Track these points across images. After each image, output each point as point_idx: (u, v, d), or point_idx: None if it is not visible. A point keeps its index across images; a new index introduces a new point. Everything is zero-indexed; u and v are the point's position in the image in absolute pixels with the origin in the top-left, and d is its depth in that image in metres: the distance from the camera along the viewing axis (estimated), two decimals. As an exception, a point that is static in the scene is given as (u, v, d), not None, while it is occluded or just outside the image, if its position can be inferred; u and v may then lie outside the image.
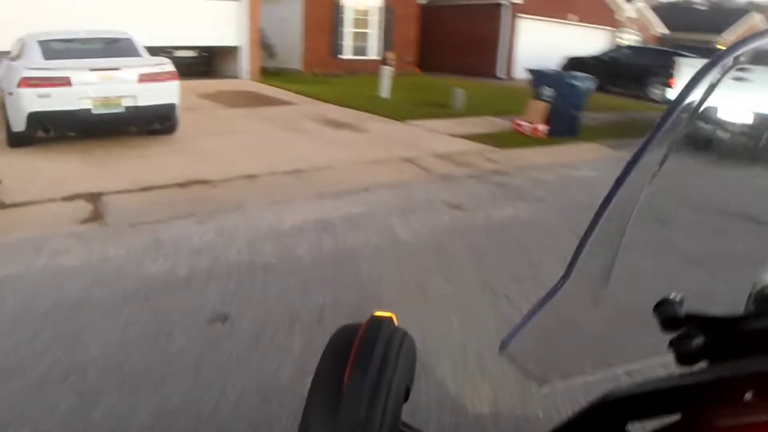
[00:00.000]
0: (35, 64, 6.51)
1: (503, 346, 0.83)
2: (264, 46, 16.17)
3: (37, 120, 6.34)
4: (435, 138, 8.89)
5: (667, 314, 0.72)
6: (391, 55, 17.84)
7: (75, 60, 6.74)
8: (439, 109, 11.47)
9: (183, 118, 7.80)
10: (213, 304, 3.34)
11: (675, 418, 0.65)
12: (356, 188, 5.96)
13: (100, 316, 3.15)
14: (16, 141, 6.64)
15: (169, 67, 7.19)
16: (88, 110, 6.54)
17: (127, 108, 6.75)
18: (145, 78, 6.85)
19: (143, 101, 6.82)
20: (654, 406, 0.66)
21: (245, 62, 14.94)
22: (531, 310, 0.82)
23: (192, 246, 4.20)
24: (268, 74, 15.51)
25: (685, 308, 0.73)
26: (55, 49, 6.92)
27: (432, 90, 14.35)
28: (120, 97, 6.69)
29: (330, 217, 4.98)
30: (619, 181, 0.75)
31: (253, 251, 4.17)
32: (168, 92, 7.09)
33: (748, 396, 0.60)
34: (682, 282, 3.42)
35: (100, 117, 6.63)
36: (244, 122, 9.27)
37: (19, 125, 6.41)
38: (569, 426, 0.73)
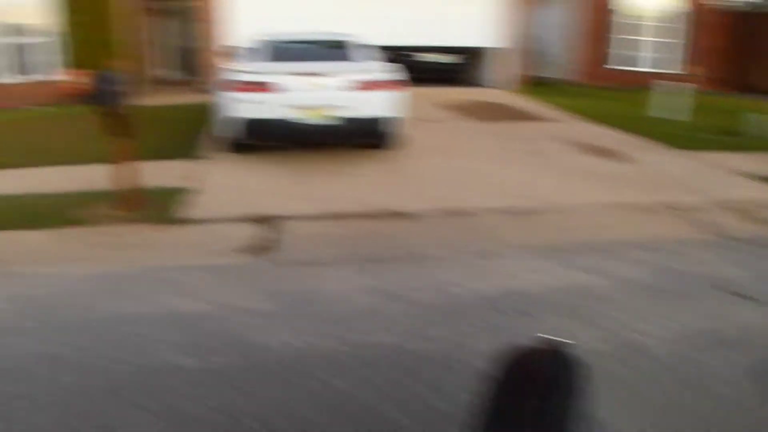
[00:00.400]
0: (245, 68, 6.28)
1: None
2: (525, 52, 14.24)
3: (246, 128, 6.05)
4: (725, 178, 6.42)
5: None
6: (697, 69, 14.27)
7: (281, 63, 6.35)
8: (736, 138, 8.58)
9: (411, 132, 6.97)
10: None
11: None
12: (594, 244, 4.24)
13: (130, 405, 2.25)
14: (230, 147, 6.46)
15: (389, 74, 6.33)
16: (294, 120, 6.01)
17: (336, 119, 6.06)
18: (356, 86, 6.09)
19: (353, 112, 6.07)
20: None
21: (502, 69, 13.46)
22: None
23: (344, 311, 3.13)
24: (527, 84, 13.82)
25: None
26: (267, 52, 6.64)
27: (734, 113, 11.07)
28: (326, 106, 6.05)
29: (538, 288, 3.44)
30: None
31: (400, 331, 2.90)
32: (384, 103, 6.22)
33: None
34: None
35: (306, 128, 6.07)
36: (480, 140, 8.02)
37: (229, 131, 6.22)
38: None
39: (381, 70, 6.37)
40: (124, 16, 11.17)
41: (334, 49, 6.96)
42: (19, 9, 10.33)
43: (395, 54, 9.48)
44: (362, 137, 6.47)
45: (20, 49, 10.52)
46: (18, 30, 10.42)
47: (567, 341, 0.99)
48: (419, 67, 11.30)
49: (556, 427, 0.89)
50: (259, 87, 5.92)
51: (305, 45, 7.06)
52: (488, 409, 0.93)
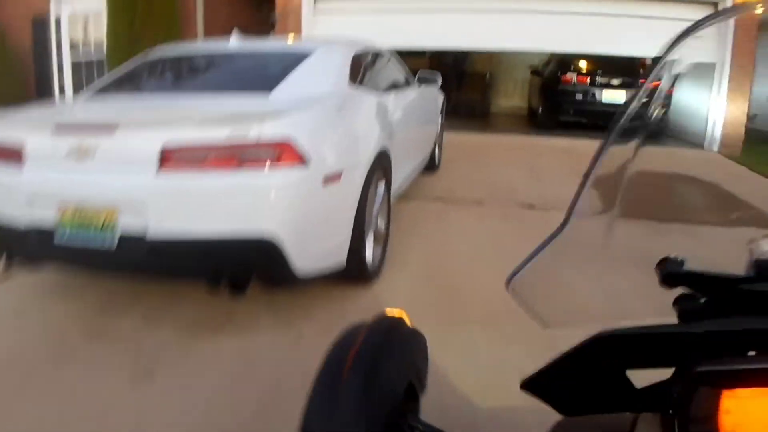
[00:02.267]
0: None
1: (508, 283, 0.88)
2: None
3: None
4: None
5: (668, 271, 0.73)
6: None
7: (110, 100, 3.62)
8: None
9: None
10: None
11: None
12: None
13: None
14: None
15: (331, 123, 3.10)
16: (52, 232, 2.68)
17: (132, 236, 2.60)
18: (205, 159, 2.54)
19: (180, 225, 2.57)
20: (650, 353, 0.70)
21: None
22: (534, 251, 0.87)
23: None
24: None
25: (686, 268, 0.75)
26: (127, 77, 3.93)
27: None
28: (115, 206, 2.62)
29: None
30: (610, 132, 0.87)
31: None
32: (275, 207, 2.64)
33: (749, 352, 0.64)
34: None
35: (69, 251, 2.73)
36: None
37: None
38: (566, 360, 0.73)
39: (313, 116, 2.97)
40: None
41: (258, 73, 3.64)
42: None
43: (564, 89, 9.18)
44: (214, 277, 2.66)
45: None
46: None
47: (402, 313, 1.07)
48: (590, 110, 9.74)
49: (385, 394, 0.96)
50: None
51: (207, 64, 4.08)
52: (319, 379, 0.99)
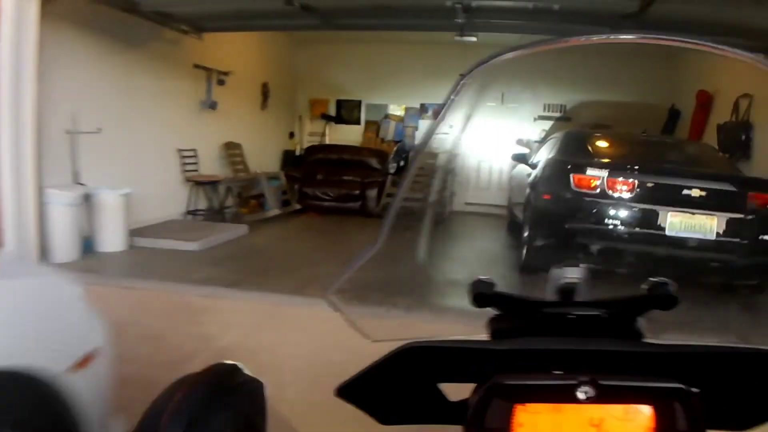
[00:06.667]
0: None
1: (327, 296, 0.89)
2: None
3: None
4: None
5: (479, 291, 0.77)
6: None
7: None
8: None
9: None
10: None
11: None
12: None
13: None
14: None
15: None
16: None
17: None
18: None
19: None
20: (457, 367, 0.72)
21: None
22: (351, 265, 0.90)
23: None
24: None
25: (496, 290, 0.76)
26: None
27: None
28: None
29: None
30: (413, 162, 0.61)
31: None
32: None
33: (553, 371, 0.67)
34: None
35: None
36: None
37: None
38: (378, 368, 0.74)
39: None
40: None
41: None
42: None
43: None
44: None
45: None
46: None
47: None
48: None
49: None
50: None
51: None
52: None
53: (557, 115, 10.22)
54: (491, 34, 6.09)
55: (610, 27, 5.31)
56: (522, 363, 0.69)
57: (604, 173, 4.37)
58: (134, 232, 6.06)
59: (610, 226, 4.29)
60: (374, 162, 9.27)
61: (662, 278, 0.74)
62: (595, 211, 4.34)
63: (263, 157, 9.16)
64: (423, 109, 10.34)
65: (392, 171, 8.99)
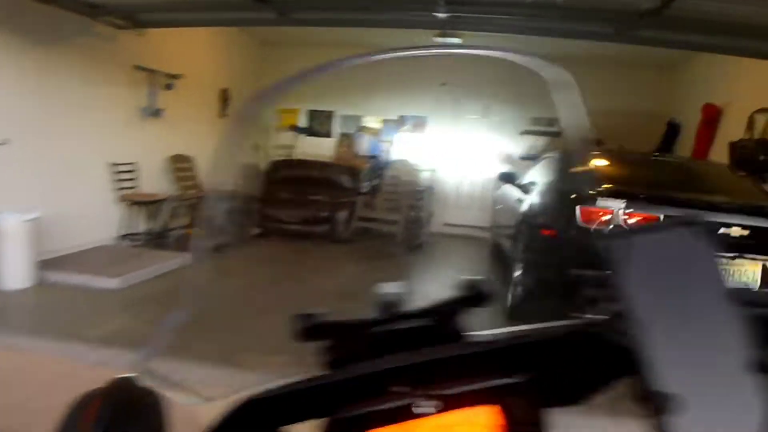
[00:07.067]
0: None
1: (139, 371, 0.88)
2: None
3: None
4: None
5: (300, 327, 0.76)
6: None
7: None
8: None
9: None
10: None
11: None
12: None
13: None
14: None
15: None
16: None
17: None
18: None
19: None
20: (299, 408, 0.71)
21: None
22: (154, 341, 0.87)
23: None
24: None
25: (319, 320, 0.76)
26: None
27: None
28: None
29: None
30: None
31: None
32: None
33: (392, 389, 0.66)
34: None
35: None
36: None
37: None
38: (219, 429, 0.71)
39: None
40: None
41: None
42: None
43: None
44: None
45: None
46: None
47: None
48: None
49: None
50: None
51: None
52: None
53: (547, 129, 9.34)
54: (478, 34, 5.16)
55: (623, 26, 4.41)
56: (361, 390, 0.68)
57: (620, 205, 3.42)
58: (47, 264, 5.00)
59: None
60: (345, 180, 8.29)
61: (473, 278, 0.77)
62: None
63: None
64: (401, 121, 9.41)
65: (365, 190, 8.02)
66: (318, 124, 9.78)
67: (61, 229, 5.48)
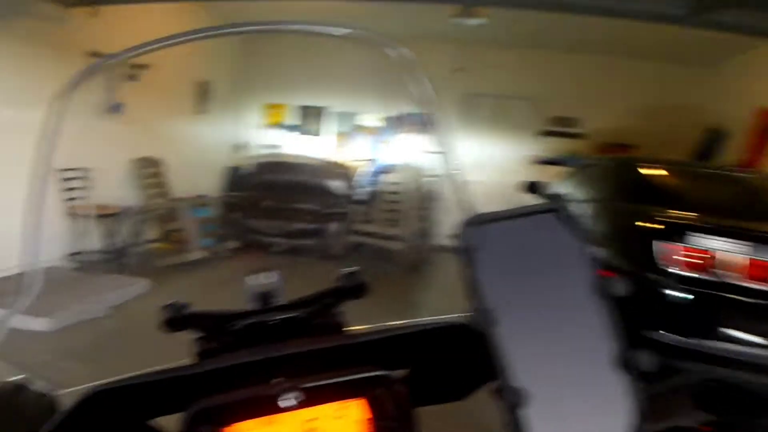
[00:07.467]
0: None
1: None
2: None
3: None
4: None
5: (168, 316, 0.74)
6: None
7: None
8: None
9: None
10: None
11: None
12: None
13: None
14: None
15: None
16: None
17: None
18: None
19: None
20: (162, 400, 0.68)
21: None
22: None
23: None
24: None
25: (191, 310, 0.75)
26: None
27: None
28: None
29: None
30: None
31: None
32: None
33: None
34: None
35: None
36: None
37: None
38: (62, 424, 0.66)
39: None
40: None
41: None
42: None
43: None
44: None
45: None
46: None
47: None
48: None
49: None
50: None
51: None
52: None
53: (568, 130, 8.38)
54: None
55: (701, 5, 3.45)
56: (226, 382, 0.65)
57: (720, 244, 2.44)
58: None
59: (735, 343, 2.36)
60: (338, 186, 7.29)
61: (352, 267, 0.76)
62: (704, 311, 2.40)
63: (198, 176, 7.11)
64: (401, 119, 8.40)
65: (361, 198, 7.03)
66: (310, 122, 8.77)
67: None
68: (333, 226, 6.59)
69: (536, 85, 8.03)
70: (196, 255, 5.89)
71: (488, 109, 8.40)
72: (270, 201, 6.98)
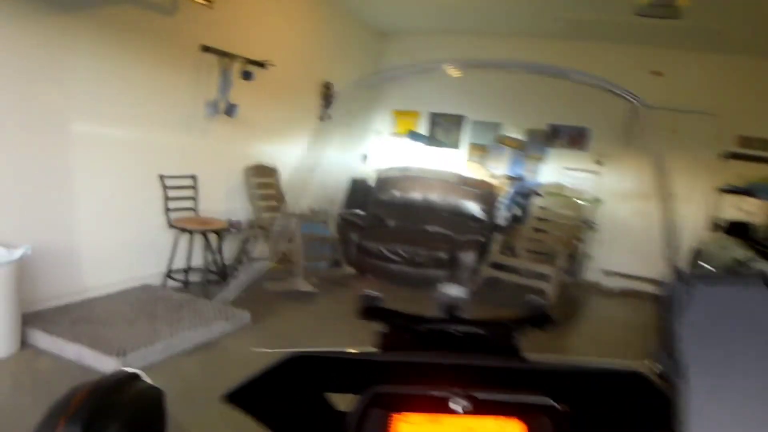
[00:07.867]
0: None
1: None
2: None
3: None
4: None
5: (364, 305, 0.83)
6: None
7: None
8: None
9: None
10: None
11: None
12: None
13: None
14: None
15: None
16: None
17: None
18: None
19: None
20: (340, 378, 0.75)
21: None
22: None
23: None
24: None
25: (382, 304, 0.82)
26: None
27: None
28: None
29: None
30: None
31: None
32: None
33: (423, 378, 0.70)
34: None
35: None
36: None
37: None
38: (266, 376, 0.75)
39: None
40: None
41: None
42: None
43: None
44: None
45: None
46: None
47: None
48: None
49: None
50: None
51: None
52: None
53: (761, 153, 6.56)
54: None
55: None
56: (403, 375, 0.72)
57: None
58: (44, 318, 3.46)
59: None
60: (476, 208, 6.16)
61: (538, 299, 0.82)
62: None
63: (319, 188, 6.36)
64: (554, 133, 7.08)
65: (503, 223, 5.85)
66: (443, 132, 7.74)
67: (84, 264, 3.96)
68: (467, 256, 5.47)
69: (724, 97, 6.35)
70: (305, 287, 5.03)
71: (664, 123, 6.80)
72: (394, 220, 6.03)
